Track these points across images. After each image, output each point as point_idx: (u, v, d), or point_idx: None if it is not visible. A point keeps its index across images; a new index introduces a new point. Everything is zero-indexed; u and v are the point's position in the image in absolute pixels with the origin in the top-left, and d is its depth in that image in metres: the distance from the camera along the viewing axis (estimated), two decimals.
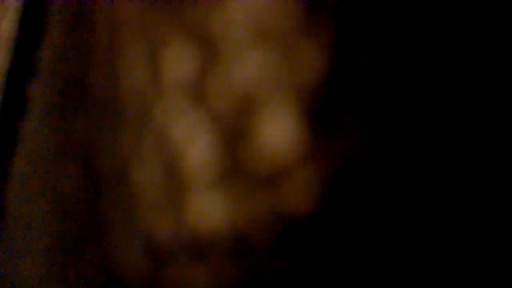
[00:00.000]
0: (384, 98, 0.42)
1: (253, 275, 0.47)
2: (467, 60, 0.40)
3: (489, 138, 0.39)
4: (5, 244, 0.71)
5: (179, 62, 0.53)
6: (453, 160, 0.40)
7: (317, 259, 0.44)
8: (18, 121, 0.72)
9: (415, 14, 0.41)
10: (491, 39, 0.39)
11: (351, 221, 0.42)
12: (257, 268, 0.46)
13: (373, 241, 0.42)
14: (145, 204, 0.54)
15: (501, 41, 0.39)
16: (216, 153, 0.49)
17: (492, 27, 0.39)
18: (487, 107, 0.39)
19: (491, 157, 0.39)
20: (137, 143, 0.56)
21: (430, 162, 0.40)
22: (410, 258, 0.41)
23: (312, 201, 0.44)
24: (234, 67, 0.49)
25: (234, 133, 0.48)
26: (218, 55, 0.50)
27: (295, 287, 0.45)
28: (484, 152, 0.39)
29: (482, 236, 0.39)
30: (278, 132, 0.46)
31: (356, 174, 0.42)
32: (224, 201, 0.49)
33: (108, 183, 0.58)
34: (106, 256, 0.58)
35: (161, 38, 0.54)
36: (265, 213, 0.46)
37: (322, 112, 0.44)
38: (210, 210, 0.49)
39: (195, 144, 0.51)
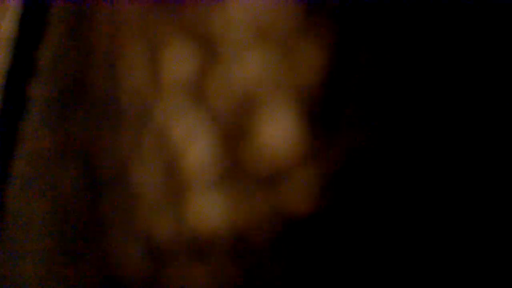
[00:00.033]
0: (384, 98, 0.42)
1: (253, 275, 0.47)
2: (467, 59, 0.40)
3: (489, 138, 0.39)
4: (5, 244, 0.71)
5: (179, 62, 0.53)
6: (453, 162, 0.40)
7: (317, 259, 0.44)
8: (18, 121, 0.72)
9: (415, 14, 0.41)
10: (491, 39, 0.39)
11: (351, 221, 0.42)
12: (257, 268, 0.46)
13: (373, 241, 0.42)
14: (145, 204, 0.54)
15: (501, 41, 0.39)
16: (216, 153, 0.49)
17: (492, 27, 0.39)
18: (487, 106, 0.39)
19: (491, 157, 0.39)
20: (137, 143, 0.56)
21: (430, 161, 0.40)
22: (410, 258, 0.41)
23: (312, 201, 0.44)
24: (234, 67, 0.49)
25: (234, 133, 0.48)
26: (218, 55, 0.50)
27: (295, 287, 0.45)
28: (484, 152, 0.39)
29: (482, 236, 0.39)
30: (278, 132, 0.46)
31: (355, 174, 0.42)
32: (224, 201, 0.49)
33: (108, 183, 0.58)
34: (106, 256, 0.58)
35: (161, 38, 0.54)
36: (265, 213, 0.46)
37: (322, 112, 0.44)
38: (210, 210, 0.49)
39: (195, 144, 0.51)
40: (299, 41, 0.45)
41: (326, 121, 0.44)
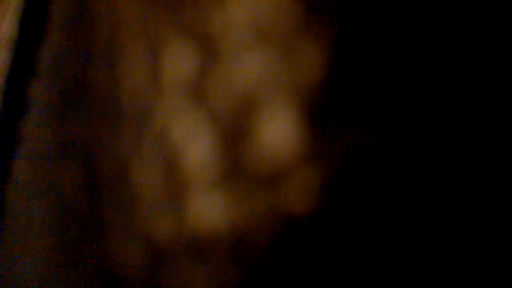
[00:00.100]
0: (384, 98, 0.42)
1: (253, 275, 0.47)
2: (467, 59, 0.40)
3: (488, 137, 0.39)
4: (5, 244, 0.71)
5: (179, 62, 0.53)
6: (454, 162, 0.40)
7: (317, 259, 0.44)
8: (18, 121, 0.72)
9: (415, 14, 0.41)
10: (491, 39, 0.39)
11: (351, 221, 0.42)
12: (257, 268, 0.46)
13: (373, 241, 0.42)
14: (145, 204, 0.54)
15: (501, 41, 0.39)
16: (216, 153, 0.49)
17: (492, 27, 0.39)
18: (487, 105, 0.39)
19: (490, 156, 0.39)
20: (137, 143, 0.56)
21: (430, 161, 0.40)
22: (410, 258, 0.41)
23: (312, 201, 0.44)
24: (234, 67, 0.49)
25: (234, 133, 0.48)
26: (218, 55, 0.50)
27: (295, 287, 0.45)
28: (484, 152, 0.39)
29: (483, 236, 0.39)
30: (278, 132, 0.46)
31: (356, 174, 0.42)
32: (224, 201, 0.49)
33: (108, 183, 0.58)
34: (106, 256, 0.58)
35: (161, 38, 0.54)
36: (265, 213, 0.46)
37: (322, 112, 0.44)
38: (210, 210, 0.49)
39: (195, 144, 0.51)
40: (299, 41, 0.45)
41: (326, 121, 0.44)
